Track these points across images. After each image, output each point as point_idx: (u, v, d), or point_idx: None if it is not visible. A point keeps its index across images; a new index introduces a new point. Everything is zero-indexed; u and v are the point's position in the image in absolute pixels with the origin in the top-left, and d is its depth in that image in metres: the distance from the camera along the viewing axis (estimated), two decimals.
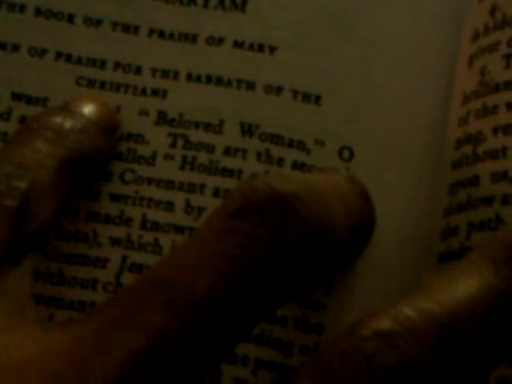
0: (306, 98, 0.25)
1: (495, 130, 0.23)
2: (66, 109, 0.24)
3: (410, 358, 0.16)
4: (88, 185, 0.24)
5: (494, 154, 0.22)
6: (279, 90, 0.25)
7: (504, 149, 0.22)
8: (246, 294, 0.17)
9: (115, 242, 0.24)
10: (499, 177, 0.22)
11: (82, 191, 0.24)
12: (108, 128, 0.24)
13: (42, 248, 0.22)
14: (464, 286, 0.17)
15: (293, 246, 0.18)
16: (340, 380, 0.16)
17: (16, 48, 0.26)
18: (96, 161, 0.24)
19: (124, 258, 0.24)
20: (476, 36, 0.24)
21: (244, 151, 0.25)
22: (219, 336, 0.17)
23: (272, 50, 0.26)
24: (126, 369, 0.16)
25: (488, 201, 0.22)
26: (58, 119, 0.23)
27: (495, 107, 0.23)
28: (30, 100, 0.26)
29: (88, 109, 0.24)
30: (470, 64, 0.24)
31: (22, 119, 0.25)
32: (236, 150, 0.25)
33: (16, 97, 0.26)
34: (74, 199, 0.24)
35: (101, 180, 0.25)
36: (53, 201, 0.22)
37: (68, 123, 0.23)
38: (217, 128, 0.25)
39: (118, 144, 0.25)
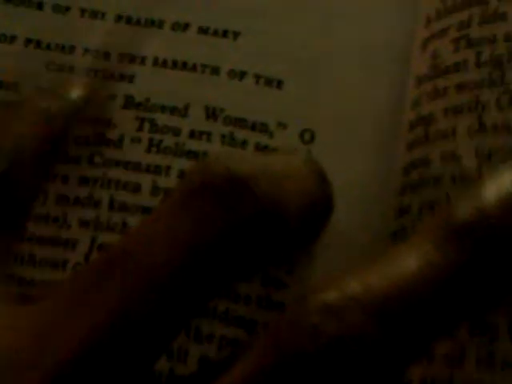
0: (268, 82, 0.26)
1: (445, 111, 0.24)
2: (55, 93, 0.25)
3: (353, 328, 0.17)
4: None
5: (444, 135, 0.23)
6: (242, 75, 0.26)
7: (454, 130, 0.23)
8: (201, 267, 0.18)
9: (84, 223, 0.25)
10: (448, 157, 0.23)
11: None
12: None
13: (21, 226, 0.23)
14: (408, 261, 0.18)
15: (246, 223, 0.19)
16: (287, 349, 0.17)
17: None
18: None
19: (93, 239, 0.25)
20: (428, 21, 0.25)
21: (208, 134, 0.26)
22: (175, 309, 0.18)
23: (235, 35, 0.27)
24: (86, 343, 0.17)
25: (438, 181, 0.23)
26: (44, 104, 0.24)
27: (445, 89, 0.24)
28: (1, 85, 0.26)
29: (78, 92, 0.25)
30: (424, 48, 0.25)
31: None
32: (201, 133, 0.26)
33: None
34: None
35: (69, 163, 0.25)
36: (36, 172, 0.23)
37: (54, 106, 0.24)
38: (182, 112, 0.26)
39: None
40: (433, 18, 0.25)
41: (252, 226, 0.19)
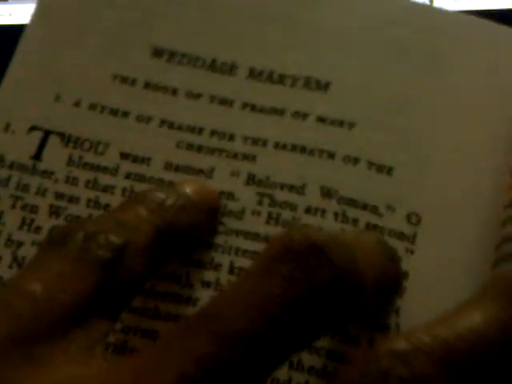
0: (380, 168, 0.28)
1: None
2: (171, 187, 0.26)
3: (421, 373, 0.18)
4: (183, 255, 0.27)
5: None
6: (356, 161, 0.29)
7: None
8: (282, 329, 0.20)
9: (205, 283, 0.27)
10: None
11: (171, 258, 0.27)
12: (207, 209, 0.27)
13: (126, 304, 0.24)
14: (471, 315, 0.20)
15: (324, 286, 0.20)
16: None
17: (125, 114, 0.30)
18: (192, 236, 0.26)
19: None
20: None
21: (323, 211, 0.28)
22: (257, 366, 0.20)
23: (350, 125, 0.29)
24: None
25: None
26: (162, 195, 0.25)
27: None
28: (135, 159, 0.29)
29: (190, 189, 0.26)
30: None
31: (128, 175, 0.29)
32: (316, 209, 0.28)
33: (124, 156, 0.29)
34: (165, 266, 0.27)
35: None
36: (145, 263, 0.24)
37: (170, 199, 0.25)
38: (299, 190, 0.28)
39: (217, 224, 0.28)
40: None
41: (330, 290, 0.21)
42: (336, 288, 0.21)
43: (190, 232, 0.26)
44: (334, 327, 0.22)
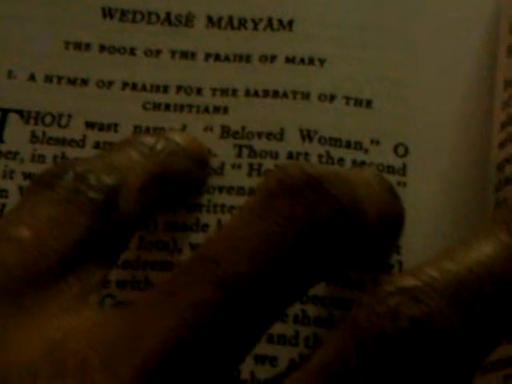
0: (358, 102, 0.27)
1: None
2: (160, 133, 0.26)
3: (432, 310, 0.17)
4: (173, 204, 0.26)
5: None
6: (332, 98, 0.27)
7: None
8: (285, 269, 0.19)
9: (194, 247, 0.26)
10: None
11: (162, 207, 0.26)
12: (197, 158, 0.26)
13: (121, 250, 0.23)
14: (481, 246, 0.18)
15: (326, 222, 0.19)
16: (366, 334, 0.17)
17: (85, 82, 0.28)
18: (183, 184, 0.25)
19: None
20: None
21: (306, 154, 0.27)
22: (259, 312, 0.18)
23: (321, 62, 0.28)
24: (177, 336, 0.17)
25: None
26: (152, 139, 0.24)
27: None
28: (102, 127, 0.28)
29: (179, 137, 0.25)
30: (510, 53, 0.26)
31: (96, 145, 0.27)
32: (298, 154, 0.27)
33: (89, 125, 0.28)
34: (154, 214, 0.26)
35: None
36: (139, 206, 0.23)
37: (160, 144, 0.24)
38: (278, 136, 0.27)
39: (207, 178, 0.26)
40: None
41: (331, 225, 0.19)
42: (339, 223, 0.19)
43: (182, 178, 0.25)
44: (337, 267, 0.21)
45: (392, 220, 0.23)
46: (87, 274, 0.20)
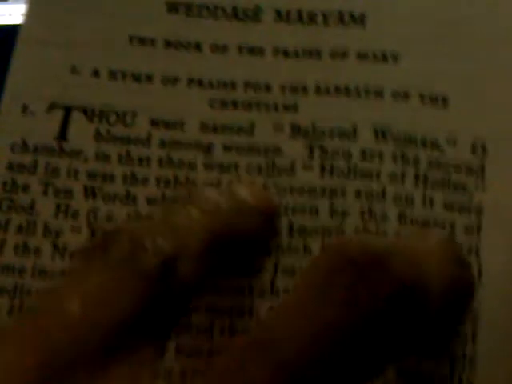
0: (434, 100, 0.26)
1: None
2: (224, 188, 0.24)
3: None
4: (238, 267, 0.24)
5: None
6: (407, 96, 0.26)
7: None
8: (347, 354, 0.18)
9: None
10: None
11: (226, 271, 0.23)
12: (265, 215, 0.23)
13: (178, 321, 0.21)
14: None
15: (389, 304, 0.18)
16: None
17: (149, 78, 0.27)
18: (249, 244, 0.23)
19: (276, 264, 0.24)
20: None
21: (380, 154, 0.25)
22: None
23: (395, 58, 0.27)
24: None
25: None
26: (215, 195, 0.22)
27: None
28: (167, 125, 0.27)
29: (246, 191, 0.23)
30: None
31: (162, 143, 0.27)
32: (372, 153, 0.26)
33: (154, 123, 0.27)
34: (221, 277, 0.24)
35: None
36: (199, 273, 0.21)
37: (224, 200, 0.22)
38: (351, 135, 0.26)
39: (277, 231, 0.24)
40: None
41: (395, 305, 0.18)
42: (401, 304, 0.18)
43: (248, 239, 0.23)
44: (397, 352, 0.20)
45: (458, 294, 0.21)
46: (140, 350, 0.19)
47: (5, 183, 0.26)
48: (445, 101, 0.26)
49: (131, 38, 0.28)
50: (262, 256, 0.24)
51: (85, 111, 0.27)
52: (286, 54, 0.27)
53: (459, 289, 0.21)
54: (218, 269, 0.22)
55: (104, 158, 0.27)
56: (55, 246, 0.25)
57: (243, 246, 0.22)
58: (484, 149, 0.26)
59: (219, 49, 0.28)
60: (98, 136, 0.27)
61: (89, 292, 0.19)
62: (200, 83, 0.27)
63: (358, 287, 0.18)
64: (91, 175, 0.26)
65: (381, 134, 0.26)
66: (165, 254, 0.20)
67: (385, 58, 0.27)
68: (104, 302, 0.19)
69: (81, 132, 0.27)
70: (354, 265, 0.18)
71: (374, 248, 0.19)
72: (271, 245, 0.24)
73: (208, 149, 0.26)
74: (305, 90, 0.27)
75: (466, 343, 0.24)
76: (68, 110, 0.27)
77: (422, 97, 0.26)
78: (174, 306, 0.20)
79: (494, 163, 0.25)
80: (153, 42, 0.28)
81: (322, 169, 0.26)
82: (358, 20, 0.27)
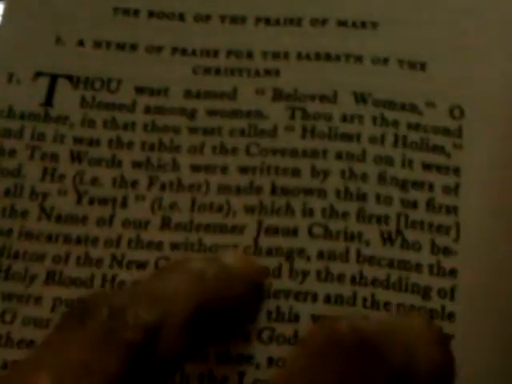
0: (412, 65, 0.27)
1: None
2: (209, 257, 0.23)
3: None
4: (223, 338, 0.24)
5: None
6: (386, 61, 0.27)
7: None
8: None
9: (249, 209, 0.25)
10: None
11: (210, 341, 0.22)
12: (252, 283, 0.23)
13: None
14: None
15: None
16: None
17: (134, 47, 0.28)
18: (235, 315, 0.22)
19: (260, 223, 0.25)
20: None
21: (360, 117, 0.26)
22: None
23: (374, 25, 0.27)
24: None
25: None
26: (201, 264, 0.21)
27: None
28: (152, 92, 0.27)
29: (232, 259, 0.22)
30: None
31: (147, 109, 0.27)
32: (352, 116, 0.26)
33: (139, 90, 0.27)
34: (205, 347, 0.23)
35: (227, 154, 0.26)
36: (181, 346, 0.20)
37: (210, 269, 0.21)
38: (331, 99, 0.26)
39: (263, 296, 0.24)
40: None
41: None
42: None
43: (234, 309, 0.22)
44: None
45: (444, 377, 0.21)
46: None
47: None
48: (423, 66, 0.27)
49: (115, 10, 0.29)
50: (247, 323, 0.24)
51: (70, 78, 0.28)
52: (267, 22, 0.28)
53: (444, 371, 0.20)
54: (202, 337, 0.21)
55: (89, 123, 0.27)
56: (42, 209, 0.26)
57: (229, 313, 0.22)
58: (461, 111, 0.26)
59: (202, 18, 0.28)
60: (83, 102, 0.27)
61: (63, 367, 0.18)
62: (184, 52, 0.28)
63: (349, 373, 0.18)
64: (77, 140, 0.27)
65: (361, 97, 0.26)
66: (146, 328, 0.19)
67: (364, 25, 0.27)
68: (79, 378, 0.18)
69: (66, 98, 0.27)
70: (343, 349, 0.18)
71: (363, 330, 0.18)
72: (256, 313, 0.24)
73: (192, 114, 0.27)
74: (286, 55, 0.27)
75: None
76: (54, 78, 0.28)
77: (400, 62, 0.27)
78: (152, 380, 0.19)
79: (471, 125, 0.26)
80: (136, 12, 0.28)
81: (304, 130, 0.26)
82: None
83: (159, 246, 0.25)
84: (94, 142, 0.27)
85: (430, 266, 0.24)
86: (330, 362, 0.18)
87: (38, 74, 0.28)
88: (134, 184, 0.26)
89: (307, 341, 0.19)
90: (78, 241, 0.25)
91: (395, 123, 0.26)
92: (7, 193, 0.26)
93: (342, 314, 0.23)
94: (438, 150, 0.26)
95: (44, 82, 0.28)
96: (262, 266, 0.24)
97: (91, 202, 0.26)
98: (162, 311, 0.19)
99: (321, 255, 0.24)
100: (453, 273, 0.24)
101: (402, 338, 0.19)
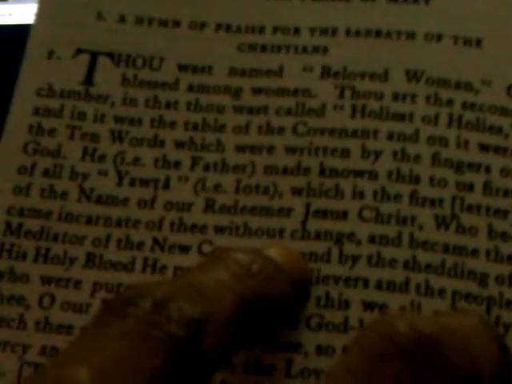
0: (467, 42, 0.25)
1: None
2: (257, 251, 0.22)
3: None
4: (266, 336, 0.23)
5: None
6: (439, 38, 0.26)
7: None
8: None
9: (297, 191, 0.24)
10: None
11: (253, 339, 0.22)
12: (297, 281, 0.22)
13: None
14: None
15: None
16: None
17: (177, 24, 0.27)
18: (279, 312, 0.21)
19: (308, 205, 0.24)
20: None
21: (413, 96, 0.25)
22: None
23: (427, 0, 0.26)
24: None
25: None
26: (247, 258, 0.20)
27: None
28: (195, 69, 0.26)
29: (278, 254, 0.22)
30: None
31: (190, 88, 0.26)
32: (404, 95, 0.25)
33: (182, 68, 0.26)
34: (249, 345, 0.23)
35: (273, 133, 0.25)
36: (225, 340, 0.19)
37: (256, 264, 0.20)
38: (382, 77, 0.25)
39: (309, 297, 0.23)
40: None
41: None
42: None
43: (279, 306, 0.21)
44: None
45: (504, 381, 0.20)
46: None
47: (31, 127, 0.26)
48: (479, 42, 0.25)
49: None
50: (289, 325, 0.23)
51: (111, 56, 0.27)
52: None
53: (505, 373, 0.19)
54: (246, 333, 0.20)
55: (131, 102, 0.26)
56: (82, 190, 0.25)
57: (273, 312, 0.21)
58: None
59: None
60: (124, 80, 0.26)
61: (103, 361, 0.17)
62: (228, 28, 0.27)
63: (409, 378, 0.17)
64: (118, 119, 0.26)
65: (413, 75, 0.25)
66: (190, 323, 0.18)
67: (416, 0, 0.26)
68: (119, 373, 0.17)
69: (107, 77, 0.27)
70: (402, 352, 0.17)
71: (423, 330, 0.17)
72: (299, 313, 0.23)
73: (237, 92, 0.26)
74: (334, 32, 0.26)
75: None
76: (94, 55, 0.27)
77: (455, 38, 0.26)
78: (194, 377, 0.18)
79: None
80: None
81: (354, 109, 0.25)
82: None
83: (203, 229, 0.24)
84: (135, 122, 0.26)
85: (487, 252, 0.23)
86: (388, 365, 0.17)
87: (79, 51, 0.27)
88: (177, 164, 0.25)
89: (363, 340, 0.18)
90: (119, 223, 0.24)
91: (449, 102, 0.25)
92: (46, 173, 0.25)
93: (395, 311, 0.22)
94: (495, 130, 0.24)
95: (84, 60, 0.27)
96: (309, 267, 0.23)
97: (132, 183, 0.25)
98: (206, 306, 0.19)
99: (372, 239, 0.23)
100: (511, 259, 0.23)
101: (462, 339, 0.18)
